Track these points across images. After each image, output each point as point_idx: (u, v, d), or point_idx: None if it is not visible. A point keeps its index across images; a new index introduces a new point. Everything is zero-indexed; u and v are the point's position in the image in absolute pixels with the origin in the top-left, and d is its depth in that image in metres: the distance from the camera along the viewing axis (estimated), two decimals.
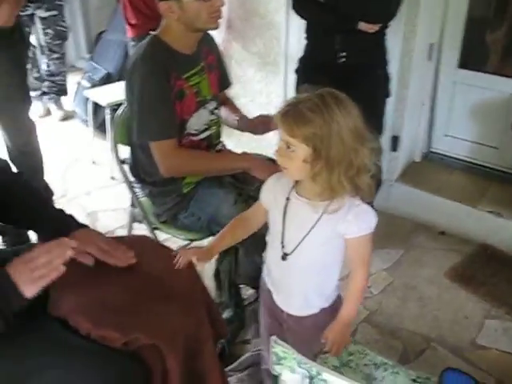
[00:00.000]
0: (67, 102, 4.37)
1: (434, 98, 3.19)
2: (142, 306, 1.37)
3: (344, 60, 2.43)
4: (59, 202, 3.27)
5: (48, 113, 4.40)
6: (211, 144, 2.13)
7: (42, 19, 4.03)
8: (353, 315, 1.47)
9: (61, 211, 1.55)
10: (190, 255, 1.49)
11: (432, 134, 3.28)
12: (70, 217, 1.53)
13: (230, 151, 2.25)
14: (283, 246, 1.46)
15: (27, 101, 2.65)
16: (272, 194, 1.50)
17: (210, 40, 2.13)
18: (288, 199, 1.45)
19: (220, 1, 1.88)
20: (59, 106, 4.37)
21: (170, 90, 1.90)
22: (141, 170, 2.12)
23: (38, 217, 1.50)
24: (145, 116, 1.92)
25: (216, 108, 2.12)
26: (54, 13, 4.01)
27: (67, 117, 4.36)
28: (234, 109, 2.26)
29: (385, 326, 2.33)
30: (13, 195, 1.50)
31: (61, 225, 1.48)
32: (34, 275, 1.24)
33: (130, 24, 2.90)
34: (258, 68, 3.27)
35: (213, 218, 1.99)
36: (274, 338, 1.22)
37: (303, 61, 2.60)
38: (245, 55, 3.28)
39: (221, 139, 2.22)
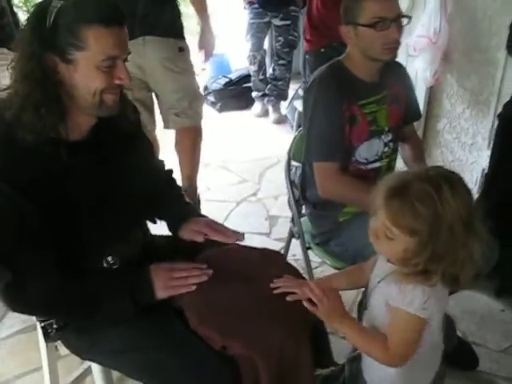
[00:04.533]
0: (284, 106, 4.61)
1: None
2: (248, 315, 1.42)
3: None
4: (249, 200, 3.52)
5: (265, 113, 4.71)
6: (380, 176, 2.09)
7: (277, 27, 4.35)
8: (344, 329, 1.33)
9: (189, 204, 1.74)
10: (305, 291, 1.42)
11: None
12: (194, 209, 1.75)
13: None
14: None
15: None
16: None
17: (399, 71, 2.10)
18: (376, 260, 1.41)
19: (397, 33, 1.83)
20: (276, 109, 4.64)
21: (341, 113, 1.91)
22: (307, 189, 2.19)
23: (176, 209, 1.69)
24: (313, 135, 1.97)
25: (392, 141, 2.07)
26: (288, 22, 4.29)
27: (281, 120, 4.60)
28: (417, 153, 2.18)
29: None
30: (164, 191, 1.72)
31: (188, 216, 1.66)
32: (169, 283, 1.46)
33: (305, 39, 3.05)
34: (468, 105, 3.08)
35: (359, 253, 1.95)
36: None
37: (508, 106, 2.40)
38: (457, 90, 3.12)
39: None
